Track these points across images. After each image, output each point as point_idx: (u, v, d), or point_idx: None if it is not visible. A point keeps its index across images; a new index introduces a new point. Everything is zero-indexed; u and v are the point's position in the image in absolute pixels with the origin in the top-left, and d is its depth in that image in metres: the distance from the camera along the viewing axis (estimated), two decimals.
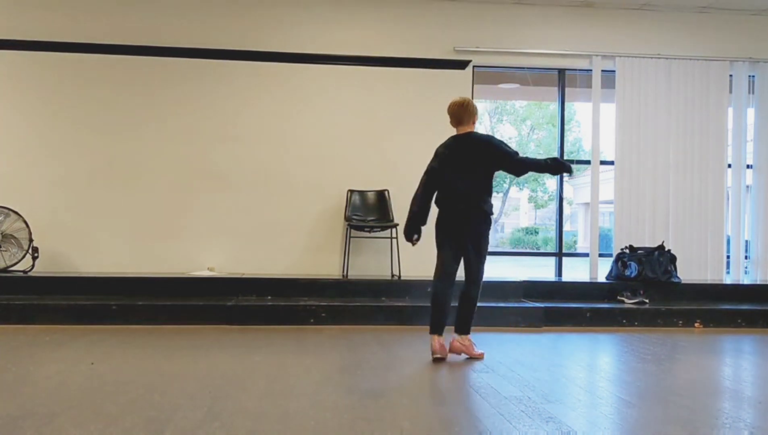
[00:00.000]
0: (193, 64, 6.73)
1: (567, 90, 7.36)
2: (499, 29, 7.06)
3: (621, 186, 7.12)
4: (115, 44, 6.63)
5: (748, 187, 7.44)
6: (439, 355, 4.17)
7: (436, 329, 4.21)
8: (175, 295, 5.83)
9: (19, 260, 6.05)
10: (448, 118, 7.21)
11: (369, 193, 6.83)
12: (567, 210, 26.20)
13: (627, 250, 6.77)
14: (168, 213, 6.69)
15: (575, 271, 8.01)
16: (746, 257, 7.42)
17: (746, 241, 7.42)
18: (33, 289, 5.83)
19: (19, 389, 3.27)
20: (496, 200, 30.43)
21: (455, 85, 6.97)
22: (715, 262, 7.16)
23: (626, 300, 6.19)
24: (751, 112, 7.41)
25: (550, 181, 23.23)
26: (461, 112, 4.37)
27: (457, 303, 4.33)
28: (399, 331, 5.24)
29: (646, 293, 6.26)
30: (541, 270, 10.37)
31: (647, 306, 6.01)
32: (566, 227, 24.49)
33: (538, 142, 26.91)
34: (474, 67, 7.04)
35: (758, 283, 7.18)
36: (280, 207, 6.79)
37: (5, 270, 5.99)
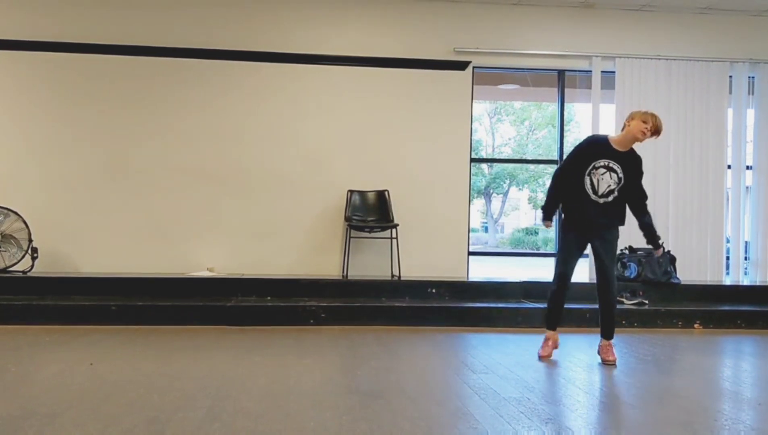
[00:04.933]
0: (192, 64, 6.73)
1: (567, 91, 7.37)
2: (499, 30, 7.07)
3: None
4: (116, 44, 6.63)
5: (747, 188, 7.44)
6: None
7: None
8: (175, 295, 5.83)
9: (19, 260, 6.05)
10: (450, 118, 7.14)
11: (369, 194, 6.83)
12: None
13: (627, 251, 6.78)
14: (168, 213, 6.69)
15: (575, 272, 7.99)
16: (746, 258, 7.43)
17: (746, 242, 7.43)
18: (33, 289, 5.83)
19: (20, 389, 3.27)
20: (496, 201, 30.39)
21: (455, 85, 6.99)
22: (714, 263, 7.16)
23: (626, 301, 6.19)
24: (750, 113, 7.41)
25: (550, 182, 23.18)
26: None
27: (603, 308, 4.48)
28: (399, 332, 5.24)
29: (646, 294, 6.26)
30: (541, 270, 10.37)
31: (647, 307, 6.01)
32: None
33: (537, 142, 26.92)
34: (474, 67, 7.05)
35: (758, 284, 7.18)
36: (281, 207, 6.80)
37: (5, 270, 5.99)
